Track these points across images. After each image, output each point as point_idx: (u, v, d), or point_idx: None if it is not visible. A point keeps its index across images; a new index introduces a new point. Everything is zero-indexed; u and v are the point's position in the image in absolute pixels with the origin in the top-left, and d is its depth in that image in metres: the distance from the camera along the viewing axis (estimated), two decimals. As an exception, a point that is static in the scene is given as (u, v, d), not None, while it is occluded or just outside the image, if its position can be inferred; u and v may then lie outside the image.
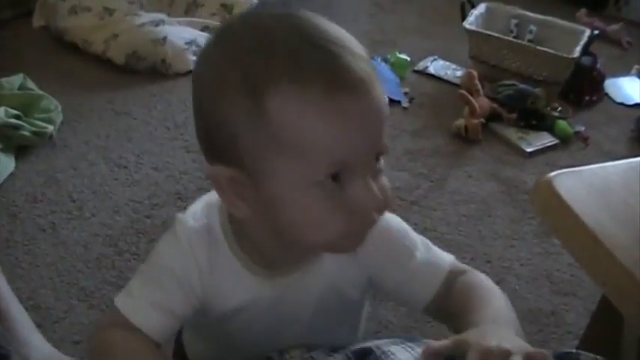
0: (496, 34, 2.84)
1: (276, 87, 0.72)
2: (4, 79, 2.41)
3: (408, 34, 3.29)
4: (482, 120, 2.56)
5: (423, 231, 2.07)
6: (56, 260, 1.85)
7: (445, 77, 2.94)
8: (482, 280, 0.90)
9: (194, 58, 2.80)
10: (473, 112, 2.54)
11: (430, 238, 2.02)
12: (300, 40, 0.74)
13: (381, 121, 0.76)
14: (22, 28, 2.99)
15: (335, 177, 0.74)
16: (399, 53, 2.95)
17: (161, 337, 0.85)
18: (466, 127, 2.53)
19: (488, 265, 2.00)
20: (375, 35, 3.25)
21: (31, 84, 2.46)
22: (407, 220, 2.12)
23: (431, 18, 3.46)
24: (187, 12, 3.11)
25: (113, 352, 0.83)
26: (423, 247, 0.91)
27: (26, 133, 2.23)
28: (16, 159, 2.21)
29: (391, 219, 0.91)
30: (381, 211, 0.80)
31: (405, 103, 2.74)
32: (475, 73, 2.70)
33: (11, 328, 0.84)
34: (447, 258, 0.92)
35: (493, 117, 2.62)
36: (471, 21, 2.91)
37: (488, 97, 2.66)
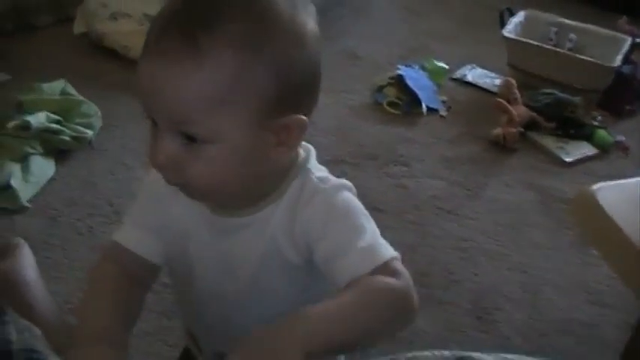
0: (535, 42, 2.81)
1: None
2: (45, 85, 2.45)
3: (445, 41, 3.26)
4: (520, 129, 2.54)
5: (458, 240, 2.09)
6: (93, 263, 1.86)
7: (483, 85, 2.92)
8: (390, 283, 0.82)
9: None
10: (511, 121, 2.52)
11: (466, 247, 2.02)
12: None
13: (164, 98, 0.79)
14: (63, 34, 3.03)
15: (153, 121, 0.82)
16: (437, 61, 2.94)
17: (147, 253, 0.93)
18: (504, 136, 2.51)
19: (525, 274, 1.98)
20: (411, 42, 3.24)
21: (71, 89, 2.49)
22: (443, 229, 2.13)
23: (468, 25, 3.43)
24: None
25: (90, 283, 0.95)
26: (369, 235, 0.87)
27: (66, 137, 2.25)
28: (56, 163, 2.24)
29: (343, 198, 0.89)
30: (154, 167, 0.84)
31: (442, 111, 2.72)
32: (513, 82, 2.68)
33: (47, 331, 0.85)
34: (387, 253, 0.86)
35: (531, 126, 2.60)
36: (510, 29, 2.89)
37: (527, 106, 2.63)
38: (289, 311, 0.78)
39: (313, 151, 0.94)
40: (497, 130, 2.54)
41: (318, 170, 0.92)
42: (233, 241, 0.91)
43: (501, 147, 2.53)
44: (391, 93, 2.75)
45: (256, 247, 0.90)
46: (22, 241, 0.99)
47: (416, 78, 2.78)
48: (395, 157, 2.44)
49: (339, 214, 0.87)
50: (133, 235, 0.93)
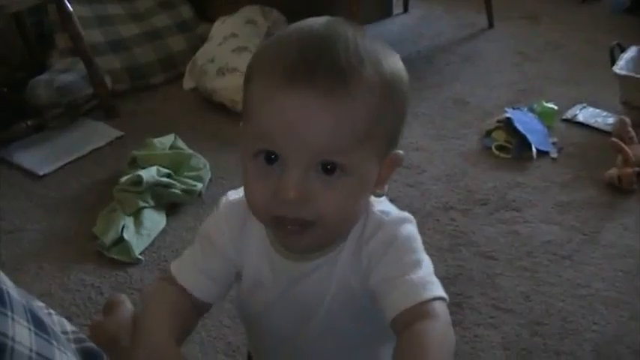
0: (649, 79, 2.71)
1: (255, 74, 0.85)
2: (156, 140, 2.52)
3: (555, 82, 3.20)
4: (638, 169, 2.44)
5: (576, 287, 2.01)
6: (204, 315, 1.88)
7: (595, 125, 2.83)
8: (437, 343, 0.80)
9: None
10: (627, 161, 2.43)
11: (584, 295, 1.94)
12: (292, 39, 0.84)
13: (316, 129, 0.79)
14: (173, 91, 3.14)
15: (269, 159, 0.82)
16: (546, 102, 2.87)
17: (203, 296, 0.95)
18: (619, 177, 2.42)
19: (649, 323, 1.88)
20: (521, 85, 3.19)
21: (181, 143, 2.56)
22: (559, 276, 2.05)
23: (578, 64, 3.35)
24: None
25: (150, 297, 0.95)
26: (422, 271, 0.86)
27: (177, 191, 2.31)
28: (167, 216, 2.29)
29: (405, 231, 0.90)
30: (284, 204, 0.82)
31: (553, 154, 2.65)
32: (628, 120, 2.58)
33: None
34: (436, 292, 0.84)
35: (649, 165, 2.49)
36: (622, 65, 2.79)
37: (643, 145, 2.54)
38: (358, 348, 0.84)
39: None
40: (613, 171, 2.45)
41: (379, 203, 0.93)
42: (305, 286, 0.93)
43: (617, 189, 2.43)
44: (500, 137, 2.70)
45: (327, 289, 0.92)
46: (124, 296, 1.03)
47: (525, 121, 2.73)
48: (506, 203, 2.38)
49: (399, 246, 0.88)
50: (188, 274, 0.96)
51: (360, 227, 0.90)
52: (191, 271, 0.96)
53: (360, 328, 0.95)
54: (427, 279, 0.85)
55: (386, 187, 0.91)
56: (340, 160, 0.81)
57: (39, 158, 2.67)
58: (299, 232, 0.85)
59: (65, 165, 2.64)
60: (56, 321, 0.71)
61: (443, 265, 2.07)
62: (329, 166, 0.81)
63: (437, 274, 2.07)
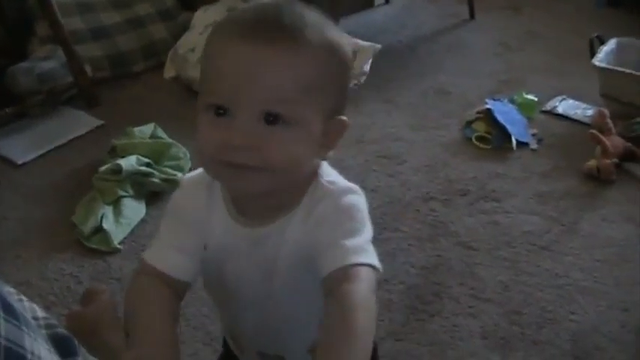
0: (628, 71, 2.72)
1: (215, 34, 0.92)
2: (136, 129, 2.51)
3: (536, 73, 3.21)
4: (616, 160, 2.46)
5: (554, 277, 2.02)
6: (183, 305, 1.87)
7: (575, 117, 2.84)
8: (359, 306, 0.84)
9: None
10: (605, 152, 2.44)
11: (562, 285, 1.96)
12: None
13: (263, 78, 0.86)
14: (154, 80, 3.12)
15: (218, 112, 0.88)
16: (526, 93, 2.88)
17: (180, 274, 0.97)
18: (598, 168, 2.43)
19: (626, 313, 1.90)
20: (502, 75, 3.20)
21: (161, 132, 2.55)
22: (537, 266, 2.07)
23: (559, 56, 3.37)
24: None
25: (132, 297, 0.97)
26: (359, 239, 0.91)
27: (156, 180, 2.30)
28: (147, 205, 2.28)
29: (348, 200, 0.95)
30: (231, 150, 0.87)
31: (533, 145, 2.66)
32: (606, 112, 2.60)
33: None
34: (366, 259, 0.89)
35: (627, 157, 2.51)
36: (601, 58, 2.81)
37: (621, 136, 2.55)
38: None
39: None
40: (592, 163, 2.46)
41: (328, 175, 0.98)
42: (263, 249, 0.98)
43: (596, 180, 2.45)
44: (480, 128, 2.71)
45: (283, 251, 0.97)
46: (104, 287, 1.03)
47: (505, 112, 2.74)
48: (486, 193, 2.39)
49: (341, 214, 0.93)
50: (162, 255, 0.98)
51: (310, 196, 0.96)
52: (164, 253, 0.98)
53: (312, 291, 0.97)
54: (362, 247, 0.90)
55: (331, 153, 0.96)
56: (283, 110, 0.87)
57: (19, 146, 2.65)
58: (246, 176, 0.89)
59: (45, 153, 2.63)
60: (27, 307, 0.71)
61: (422, 255, 2.08)
62: (272, 117, 0.87)
63: (416, 263, 2.08)
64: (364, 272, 0.87)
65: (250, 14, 0.91)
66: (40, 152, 2.62)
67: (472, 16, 3.82)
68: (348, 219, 0.93)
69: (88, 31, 3.15)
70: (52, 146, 2.66)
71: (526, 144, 2.66)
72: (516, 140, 2.64)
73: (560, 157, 2.60)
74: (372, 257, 0.90)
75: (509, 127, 2.66)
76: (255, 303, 1.03)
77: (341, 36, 0.95)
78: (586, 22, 3.64)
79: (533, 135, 2.71)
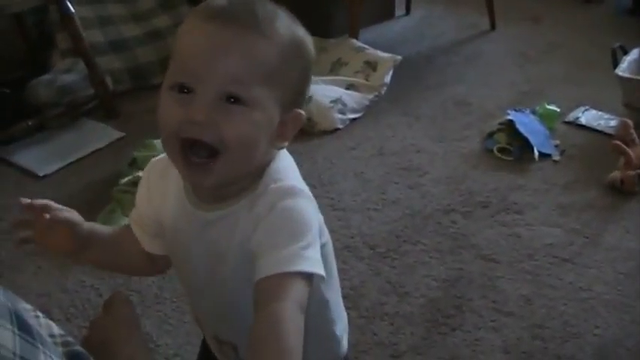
0: (652, 81, 2.70)
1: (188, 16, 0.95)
2: (156, 141, 2.51)
3: (557, 83, 3.19)
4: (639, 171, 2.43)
5: (577, 290, 2.00)
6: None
7: (597, 127, 2.82)
8: (287, 330, 0.84)
9: (339, 116, 2.84)
10: (629, 163, 2.42)
11: (585, 298, 1.93)
12: None
13: (226, 59, 0.88)
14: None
15: (182, 91, 0.90)
16: (548, 104, 2.86)
17: (147, 245, 1.11)
18: (622, 180, 2.41)
19: (651, 326, 1.87)
20: (522, 86, 3.18)
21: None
22: (560, 279, 2.04)
23: (580, 66, 3.35)
24: (332, 70, 3.15)
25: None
26: (295, 246, 0.90)
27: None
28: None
29: (287, 203, 0.94)
30: (192, 126, 0.89)
31: (555, 156, 2.64)
32: (630, 122, 2.57)
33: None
34: (297, 266, 0.88)
35: (651, 168, 2.48)
36: (624, 67, 2.79)
37: (646, 147, 2.52)
38: None
39: (284, 151, 1.02)
40: (615, 174, 2.44)
41: (277, 171, 0.99)
42: (213, 233, 0.99)
43: (619, 191, 2.42)
44: (501, 139, 2.69)
45: (232, 238, 0.98)
46: (124, 297, 1.04)
47: (527, 123, 2.72)
48: (507, 205, 2.37)
49: (277, 218, 0.93)
50: (138, 230, 1.12)
51: (254, 189, 0.97)
52: (132, 225, 1.12)
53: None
54: (296, 253, 0.89)
55: (286, 143, 0.99)
56: (243, 93, 0.89)
57: (39, 158, 2.67)
58: (205, 165, 0.91)
59: (66, 165, 2.64)
60: (43, 324, 0.71)
61: (443, 268, 2.06)
62: (232, 98, 0.89)
63: (437, 276, 2.06)
64: (295, 284, 0.87)
65: (222, 2, 0.93)
66: (61, 164, 2.63)
67: (492, 26, 3.81)
68: (285, 223, 0.93)
69: (108, 44, 3.17)
70: (73, 158, 2.67)
71: (548, 155, 2.64)
72: (538, 152, 2.62)
73: (583, 168, 2.58)
74: (306, 264, 0.89)
75: (531, 139, 2.64)
76: (206, 287, 1.06)
77: (306, 35, 0.98)
78: (606, 31, 3.62)
79: (556, 146, 2.69)
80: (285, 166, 1.01)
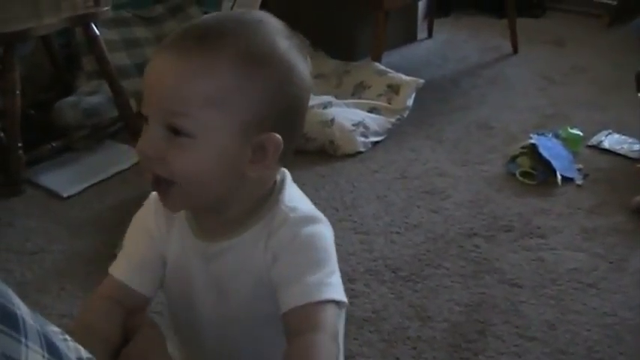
0: (677, 105, 2.69)
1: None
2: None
3: (580, 107, 3.18)
4: (664, 196, 2.41)
5: (602, 315, 1.98)
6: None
7: (621, 151, 2.81)
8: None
9: (362, 139, 2.84)
10: (653, 188, 2.41)
11: (611, 324, 1.91)
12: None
13: (163, 88, 0.86)
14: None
15: (145, 119, 0.90)
16: (571, 128, 2.85)
17: (141, 286, 1.03)
18: (646, 204, 2.39)
19: (677, 353, 1.85)
20: (546, 110, 3.17)
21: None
22: (584, 304, 2.02)
23: (603, 89, 3.34)
24: (354, 93, 3.16)
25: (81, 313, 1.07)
26: (322, 273, 0.90)
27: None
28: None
29: (309, 230, 0.93)
30: (147, 162, 0.90)
31: (578, 180, 2.63)
32: (655, 147, 2.56)
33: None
34: (328, 295, 0.88)
35: (677, 193, 2.46)
36: (648, 91, 2.77)
37: (670, 172, 2.51)
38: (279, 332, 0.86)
39: (288, 178, 0.99)
40: (639, 198, 2.42)
41: (291, 199, 0.97)
42: (221, 266, 0.97)
43: (644, 216, 2.40)
44: (524, 163, 2.68)
45: (237, 272, 0.96)
46: (152, 322, 1.04)
47: (550, 147, 2.71)
48: (531, 229, 2.36)
49: (300, 245, 0.91)
50: (124, 268, 1.04)
51: (269, 220, 0.94)
52: (126, 264, 1.05)
53: (276, 313, 0.96)
54: (323, 281, 0.88)
55: (269, 169, 0.94)
56: (184, 123, 0.86)
57: (64, 179, 2.69)
58: (164, 192, 0.91)
59: (90, 186, 2.66)
60: (72, 347, 0.71)
61: (466, 292, 2.05)
62: (174, 129, 0.87)
63: (460, 301, 2.06)
64: (326, 312, 0.87)
65: (185, 26, 0.91)
66: (85, 185, 2.65)
67: (515, 50, 3.81)
68: (309, 251, 0.91)
69: (134, 67, 3.20)
70: (97, 179, 2.69)
71: (571, 179, 2.63)
72: (561, 175, 2.61)
73: (607, 192, 2.56)
74: (334, 291, 0.89)
75: (554, 163, 2.63)
76: (213, 323, 1.02)
77: (290, 50, 0.91)
78: (630, 54, 3.60)
79: (579, 170, 2.68)
80: (292, 192, 0.98)
